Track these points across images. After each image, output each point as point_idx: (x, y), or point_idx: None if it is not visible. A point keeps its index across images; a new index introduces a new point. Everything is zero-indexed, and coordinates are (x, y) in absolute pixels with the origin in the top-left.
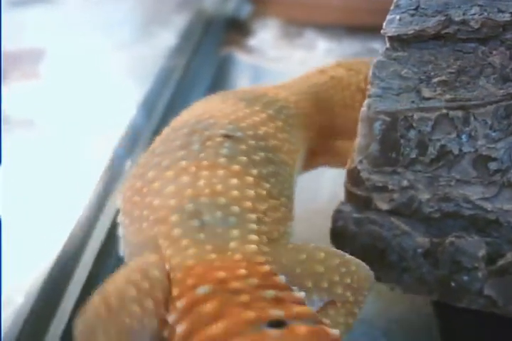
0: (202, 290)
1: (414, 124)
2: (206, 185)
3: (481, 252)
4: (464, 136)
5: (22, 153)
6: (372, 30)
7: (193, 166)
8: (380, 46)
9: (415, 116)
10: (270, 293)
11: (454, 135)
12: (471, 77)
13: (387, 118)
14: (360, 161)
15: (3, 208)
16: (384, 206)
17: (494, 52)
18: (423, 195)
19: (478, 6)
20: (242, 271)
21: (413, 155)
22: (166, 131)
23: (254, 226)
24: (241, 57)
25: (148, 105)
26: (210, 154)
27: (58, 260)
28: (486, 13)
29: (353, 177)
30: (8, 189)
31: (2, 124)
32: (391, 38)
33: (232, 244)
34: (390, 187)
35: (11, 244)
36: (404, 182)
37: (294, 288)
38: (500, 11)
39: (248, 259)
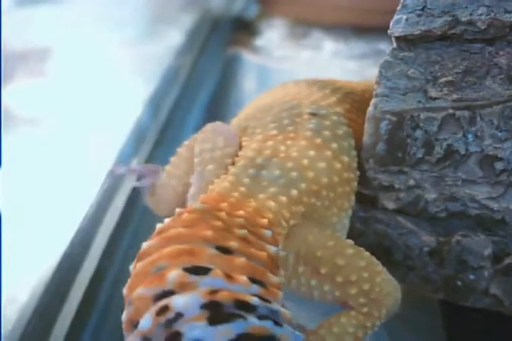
0: (198, 206)
1: (421, 124)
2: (284, 151)
3: (487, 251)
4: (470, 136)
5: (28, 151)
6: (379, 31)
7: (281, 135)
8: (386, 47)
9: (422, 116)
10: (243, 232)
11: (460, 135)
12: (477, 77)
13: (394, 118)
14: (367, 160)
15: (8, 205)
16: (390, 205)
17: (501, 52)
18: (429, 195)
19: (485, 6)
20: (241, 213)
21: (419, 155)
22: (247, 111)
23: (295, 193)
24: (247, 57)
25: (154, 103)
26: (297, 128)
27: (64, 258)
28: (492, 14)
29: (360, 177)
30: (14, 186)
31: (6, 122)
32: (398, 38)
33: (261, 196)
34: (397, 186)
35: (15, 241)
36: (411, 182)
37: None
38: (507, 11)
39: (258, 211)
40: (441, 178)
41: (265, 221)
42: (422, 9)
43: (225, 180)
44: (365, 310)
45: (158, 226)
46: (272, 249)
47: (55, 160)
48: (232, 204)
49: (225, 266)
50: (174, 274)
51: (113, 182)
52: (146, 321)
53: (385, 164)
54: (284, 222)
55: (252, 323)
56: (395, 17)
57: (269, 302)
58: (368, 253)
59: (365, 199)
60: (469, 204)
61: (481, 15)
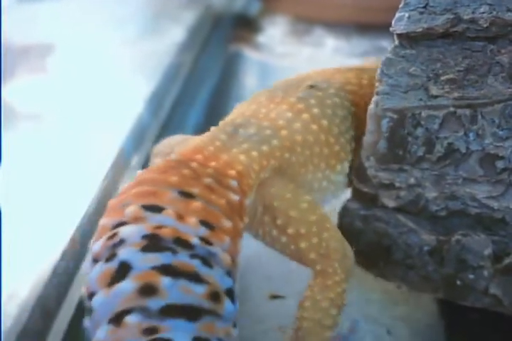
0: (174, 156)
1: (422, 122)
2: (264, 113)
3: (487, 250)
4: (471, 135)
5: (29, 147)
6: (381, 29)
7: (267, 100)
8: (388, 45)
9: (423, 114)
10: (209, 180)
11: (461, 133)
12: (479, 75)
13: (395, 116)
14: (368, 158)
15: (8, 201)
16: (390, 203)
17: (503, 50)
18: (430, 193)
19: (487, 4)
20: (212, 164)
21: (420, 153)
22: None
23: (266, 149)
24: (249, 54)
25: (155, 100)
26: (287, 95)
27: (64, 254)
28: (494, 12)
29: (360, 174)
30: (15, 182)
31: (8, 118)
32: (400, 36)
33: (234, 150)
34: (397, 184)
35: (16, 238)
36: (411, 180)
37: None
38: (509, 10)
39: (229, 164)
40: (441, 177)
41: (233, 172)
42: (425, 7)
43: (203, 136)
44: (318, 267)
45: (138, 172)
46: (234, 197)
47: (56, 156)
48: (206, 156)
49: (181, 208)
50: (131, 209)
51: (113, 179)
52: (97, 245)
53: (386, 162)
54: (253, 174)
55: (181, 258)
56: (397, 14)
57: (211, 244)
58: (322, 211)
59: (366, 198)
60: (469, 203)
61: (483, 13)
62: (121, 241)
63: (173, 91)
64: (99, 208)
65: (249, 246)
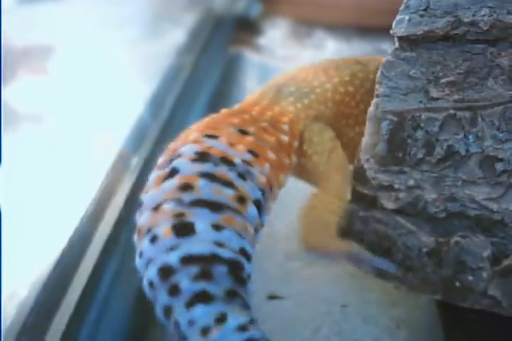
0: (235, 107)
1: (422, 124)
2: (304, 77)
3: (486, 252)
4: (471, 137)
5: (30, 148)
6: (382, 31)
7: (310, 68)
8: (389, 47)
9: (423, 116)
10: (265, 124)
11: (461, 135)
12: (479, 78)
13: (395, 118)
14: (367, 160)
15: (8, 201)
16: (390, 205)
17: (503, 53)
18: (429, 195)
19: (488, 7)
20: (269, 113)
21: (420, 155)
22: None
23: (307, 102)
24: (250, 56)
25: (156, 102)
26: (326, 64)
27: (63, 254)
28: (495, 15)
29: (360, 176)
30: (15, 183)
31: (9, 120)
32: (400, 38)
33: (283, 103)
34: (397, 186)
35: (16, 237)
36: (411, 182)
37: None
38: (509, 12)
39: (282, 113)
40: (441, 179)
41: (286, 118)
42: (425, 9)
43: (253, 95)
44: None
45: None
46: (284, 138)
47: (56, 158)
48: (262, 107)
49: (235, 139)
50: (194, 135)
51: (113, 180)
52: (161, 159)
53: (386, 164)
54: (301, 120)
55: (221, 169)
56: (398, 17)
57: (251, 166)
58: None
59: (365, 199)
60: (469, 204)
61: (483, 16)
62: (179, 155)
63: (174, 93)
64: (98, 209)
65: None
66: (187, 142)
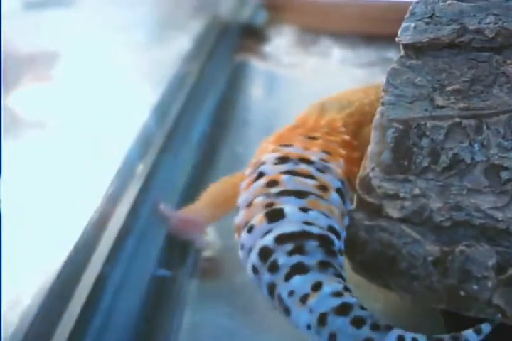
0: (291, 124)
1: (427, 132)
2: (344, 96)
3: (491, 261)
4: (476, 145)
5: (33, 154)
6: (387, 39)
7: (350, 90)
8: (395, 55)
9: (428, 125)
10: (324, 129)
11: (466, 144)
12: (484, 86)
13: (400, 126)
14: (373, 169)
15: (12, 207)
16: (395, 214)
17: (508, 61)
18: (434, 204)
19: (494, 15)
20: (322, 122)
21: (425, 164)
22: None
23: (348, 112)
24: (255, 64)
25: (161, 109)
26: (365, 87)
27: (67, 262)
28: (500, 23)
29: (365, 185)
30: (19, 189)
31: (13, 126)
32: (405, 46)
33: (329, 113)
34: (402, 195)
35: (18, 245)
36: (416, 191)
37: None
38: None
39: (333, 120)
40: (446, 187)
41: (339, 123)
42: (431, 17)
43: (300, 116)
44: None
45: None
46: (346, 137)
47: (60, 164)
48: (314, 120)
49: (308, 144)
50: (270, 147)
51: (118, 187)
52: (247, 172)
53: (391, 172)
54: (350, 125)
55: (300, 166)
56: (403, 25)
57: (328, 162)
58: None
59: (370, 208)
60: (474, 213)
61: (489, 23)
62: (262, 163)
63: (179, 100)
64: (103, 216)
65: None
66: (267, 153)
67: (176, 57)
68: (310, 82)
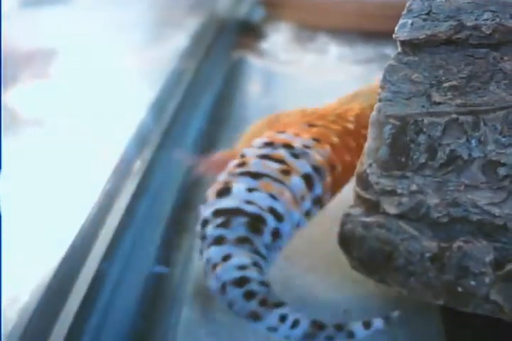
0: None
1: (424, 129)
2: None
3: (489, 257)
4: (473, 141)
5: (31, 152)
6: (384, 36)
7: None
8: (392, 52)
9: (425, 121)
10: (332, 118)
11: (463, 140)
12: (481, 82)
13: (397, 123)
14: (370, 165)
15: (10, 205)
16: (392, 210)
17: (505, 57)
18: (432, 200)
19: (491, 11)
20: (336, 111)
21: (422, 160)
22: None
23: (372, 104)
24: (253, 61)
25: (158, 106)
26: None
27: (65, 259)
28: (498, 19)
29: (362, 181)
30: (18, 187)
31: (11, 124)
32: (403, 43)
33: (353, 103)
34: (399, 191)
35: (17, 243)
36: (413, 187)
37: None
38: (511, 17)
39: (349, 109)
40: (443, 183)
41: (352, 113)
42: (428, 14)
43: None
44: None
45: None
46: (350, 126)
47: (58, 162)
48: (333, 108)
49: (302, 131)
50: (266, 134)
51: (115, 184)
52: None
53: (388, 169)
54: (367, 117)
55: (276, 151)
56: (401, 21)
57: (309, 149)
58: None
59: (367, 204)
60: (471, 209)
61: (486, 20)
62: (251, 146)
63: (176, 97)
64: (101, 213)
65: None
66: (263, 138)
67: (173, 54)
68: (307, 79)
